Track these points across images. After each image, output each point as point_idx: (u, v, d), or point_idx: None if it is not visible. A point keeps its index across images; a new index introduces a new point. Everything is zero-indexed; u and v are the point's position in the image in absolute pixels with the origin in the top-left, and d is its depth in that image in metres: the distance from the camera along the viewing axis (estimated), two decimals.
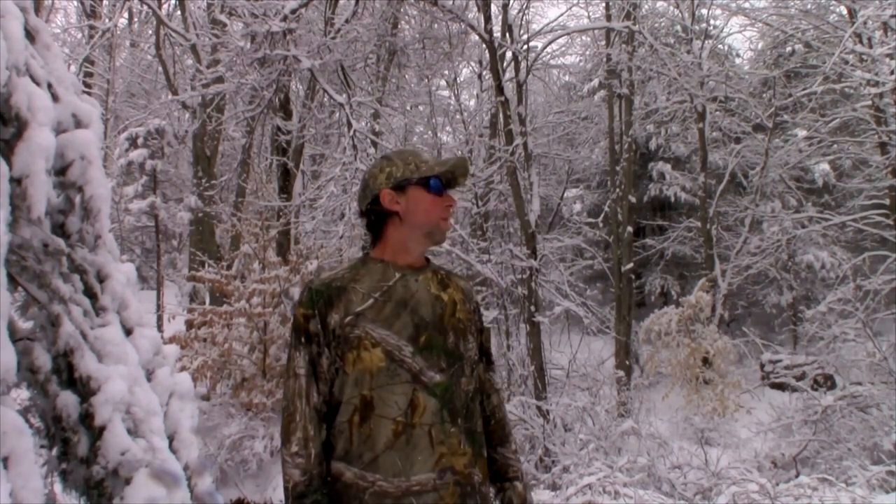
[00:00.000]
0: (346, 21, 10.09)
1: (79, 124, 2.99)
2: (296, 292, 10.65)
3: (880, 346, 9.92)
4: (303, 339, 1.80)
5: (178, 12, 15.84)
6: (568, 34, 15.64)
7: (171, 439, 3.10)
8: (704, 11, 15.04)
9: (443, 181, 1.88)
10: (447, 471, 1.72)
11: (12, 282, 2.71)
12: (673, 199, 17.19)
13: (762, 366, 13.58)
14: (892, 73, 10.87)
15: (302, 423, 1.76)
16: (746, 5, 16.03)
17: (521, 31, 13.88)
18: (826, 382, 11.60)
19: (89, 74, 18.63)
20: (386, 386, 1.74)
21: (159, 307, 14.96)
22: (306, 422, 1.76)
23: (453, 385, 1.78)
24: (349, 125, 9.26)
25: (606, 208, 14.82)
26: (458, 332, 1.84)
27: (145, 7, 16.53)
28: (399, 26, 14.35)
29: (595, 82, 17.55)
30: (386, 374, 1.74)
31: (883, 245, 13.40)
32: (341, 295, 1.80)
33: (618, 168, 15.00)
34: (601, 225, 14.66)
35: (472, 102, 17.89)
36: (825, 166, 14.51)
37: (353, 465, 1.73)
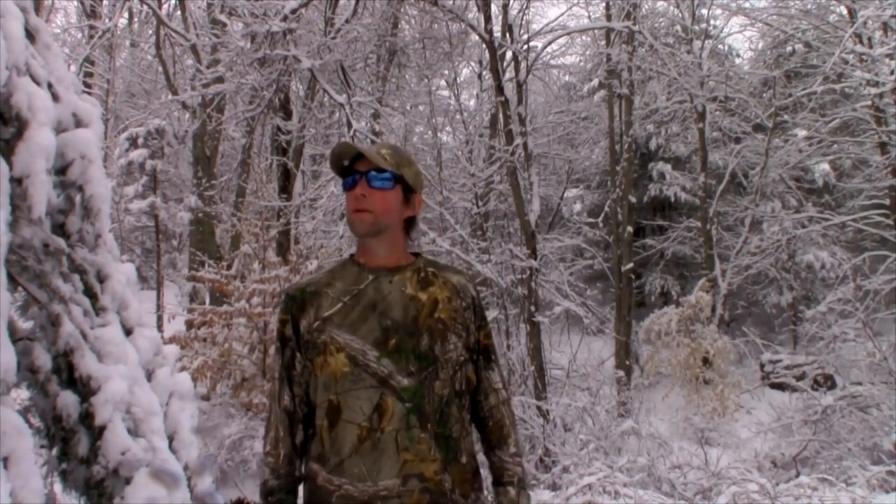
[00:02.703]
0: (346, 21, 10.09)
1: (79, 124, 2.99)
2: None
3: (880, 346, 9.92)
4: (279, 344, 1.84)
5: (178, 12, 15.85)
6: (568, 34, 15.65)
7: (171, 439, 3.10)
8: (704, 11, 15.06)
9: (354, 173, 1.81)
10: (413, 477, 1.70)
11: (12, 282, 2.71)
12: (673, 199, 17.20)
13: (762, 366, 13.58)
14: (892, 73, 10.87)
15: (274, 424, 1.82)
16: (746, 5, 16.06)
17: (521, 31, 13.87)
18: (826, 382, 11.60)
19: (89, 74, 18.63)
20: (351, 391, 1.73)
21: (159, 307, 14.96)
22: (277, 423, 1.81)
23: (424, 389, 1.74)
24: (349, 125, 9.26)
25: (606, 208, 14.82)
26: (435, 333, 1.78)
27: (145, 7, 16.52)
28: (399, 26, 14.35)
29: (595, 82, 17.56)
30: (350, 378, 1.73)
31: (883, 245, 13.40)
32: (313, 300, 1.81)
33: (618, 168, 15.00)
34: (601, 225, 14.66)
35: (472, 102, 17.89)
36: (825, 166, 14.52)
37: (324, 468, 1.74)
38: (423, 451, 1.72)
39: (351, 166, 1.83)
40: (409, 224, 1.89)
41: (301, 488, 1.83)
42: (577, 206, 17.00)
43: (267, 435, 1.82)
